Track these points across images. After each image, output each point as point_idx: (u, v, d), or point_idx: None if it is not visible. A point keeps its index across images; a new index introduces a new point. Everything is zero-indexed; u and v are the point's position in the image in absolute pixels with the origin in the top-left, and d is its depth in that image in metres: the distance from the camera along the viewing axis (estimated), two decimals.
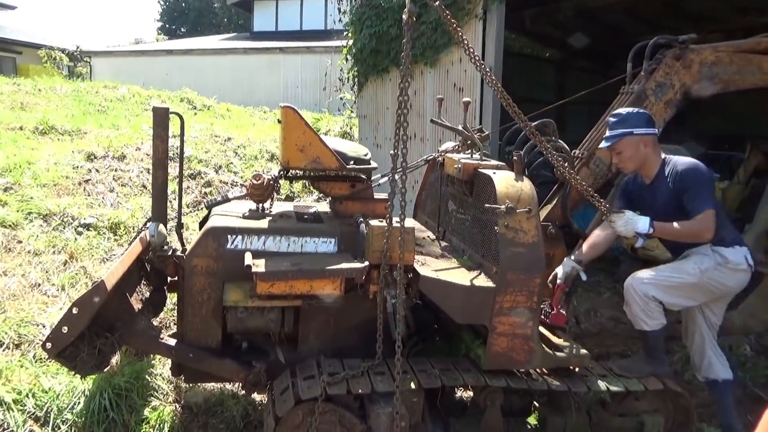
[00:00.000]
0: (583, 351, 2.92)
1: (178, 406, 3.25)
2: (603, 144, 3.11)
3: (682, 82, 3.45)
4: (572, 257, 3.13)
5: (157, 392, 3.25)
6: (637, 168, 3.13)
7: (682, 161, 3.05)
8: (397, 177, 2.54)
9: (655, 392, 3.00)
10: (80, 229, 4.82)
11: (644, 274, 3.04)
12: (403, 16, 2.39)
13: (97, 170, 6.12)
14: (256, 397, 3.33)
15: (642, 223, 2.91)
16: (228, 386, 3.40)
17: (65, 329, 2.46)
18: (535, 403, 3.09)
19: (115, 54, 22.00)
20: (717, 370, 3.20)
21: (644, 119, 3.07)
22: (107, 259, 4.57)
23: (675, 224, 2.93)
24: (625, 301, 3.08)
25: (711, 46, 3.55)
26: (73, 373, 2.80)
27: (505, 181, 2.81)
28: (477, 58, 2.64)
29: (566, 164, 3.06)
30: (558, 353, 2.86)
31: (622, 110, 3.14)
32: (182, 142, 3.18)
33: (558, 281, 3.04)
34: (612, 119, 3.09)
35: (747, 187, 5.97)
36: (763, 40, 3.65)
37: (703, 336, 3.21)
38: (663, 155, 3.12)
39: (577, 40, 7.91)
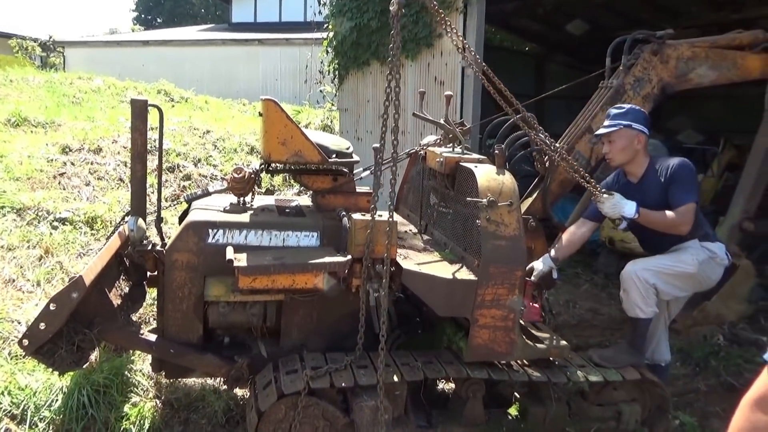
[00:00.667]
0: (563, 342, 2.96)
1: (158, 402, 3.22)
2: (601, 130, 3.17)
3: (660, 76, 3.50)
4: (550, 254, 3.17)
5: (137, 388, 3.22)
6: (624, 162, 3.17)
7: (673, 159, 3.13)
8: (379, 170, 2.54)
9: (632, 382, 3.07)
10: (55, 223, 4.73)
11: (645, 262, 3.11)
12: (391, 8, 2.38)
13: (72, 163, 6.00)
14: (239, 392, 3.31)
15: (629, 207, 2.98)
16: (210, 381, 3.38)
17: (42, 326, 2.42)
18: (516, 394, 3.13)
19: (90, 44, 21.54)
20: (662, 354, 3.42)
21: (643, 117, 3.15)
22: (84, 254, 4.49)
23: (659, 213, 3.00)
24: (623, 288, 3.13)
25: (688, 41, 3.61)
26: (50, 370, 2.75)
27: (486, 174, 2.83)
28: (467, 46, 2.65)
29: (556, 148, 3.11)
30: (538, 345, 2.90)
31: (625, 104, 3.23)
32: (161, 135, 3.13)
33: (533, 278, 3.07)
34: (614, 110, 3.16)
35: (721, 180, 6.10)
36: (737, 36, 3.72)
37: (660, 323, 3.37)
38: (649, 156, 3.19)
39: (576, 27, 7.90)
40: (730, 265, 3.33)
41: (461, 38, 2.62)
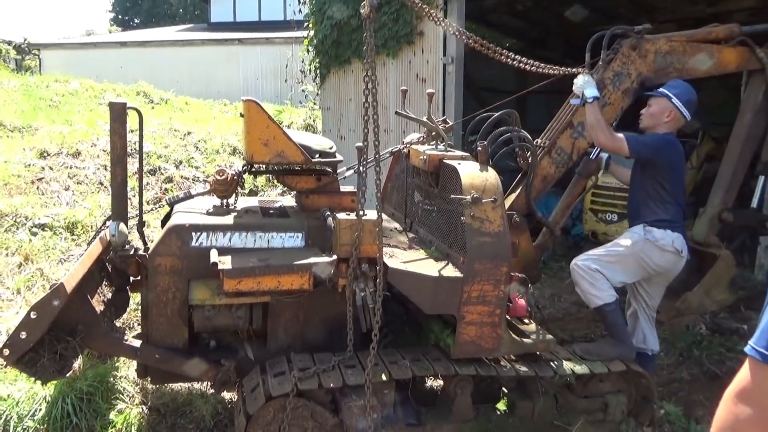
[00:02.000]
0: (549, 336, 2.98)
1: (145, 408, 3.18)
2: (648, 92, 3.39)
3: (639, 71, 3.53)
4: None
5: (122, 395, 3.18)
6: (647, 127, 3.41)
7: (672, 136, 3.36)
8: (361, 169, 2.53)
9: (618, 373, 3.10)
10: (35, 229, 4.66)
11: (584, 254, 3.34)
12: (362, 11, 2.38)
13: (50, 168, 5.90)
14: (227, 395, 3.29)
15: (591, 90, 3.25)
16: (196, 386, 3.35)
17: (23, 335, 2.38)
18: (503, 389, 3.15)
19: (66, 46, 21.18)
20: (650, 343, 3.48)
21: (687, 99, 3.34)
22: (65, 260, 4.42)
23: (602, 119, 3.24)
24: (574, 282, 3.30)
25: (665, 35, 3.64)
26: (33, 379, 2.70)
27: (470, 171, 2.84)
28: (455, 28, 2.63)
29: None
30: (525, 339, 2.92)
31: (682, 84, 3.40)
32: (141, 137, 3.09)
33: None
34: (672, 82, 3.40)
35: (700, 172, 6.19)
36: (713, 29, 3.76)
37: (639, 313, 3.48)
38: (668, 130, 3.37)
39: (574, 13, 7.91)
40: (705, 253, 3.53)
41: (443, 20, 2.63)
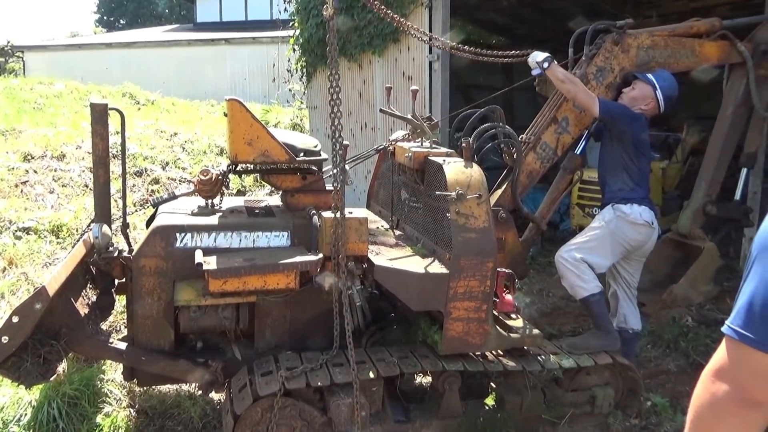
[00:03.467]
0: (536, 331, 3.00)
1: (132, 411, 3.16)
2: (637, 73, 3.46)
3: (621, 65, 3.56)
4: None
5: (109, 398, 3.15)
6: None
7: (642, 115, 3.44)
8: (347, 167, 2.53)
9: (605, 366, 3.12)
10: (19, 233, 4.61)
11: (565, 245, 3.42)
12: (324, 13, 2.38)
13: (35, 171, 5.84)
14: (215, 396, 3.27)
15: (542, 55, 3.34)
16: (184, 387, 3.33)
17: (5, 339, 2.35)
18: (492, 384, 3.16)
19: (50, 48, 20.97)
20: (630, 322, 3.53)
21: (669, 95, 3.44)
22: (50, 264, 4.38)
23: (567, 76, 3.32)
24: (560, 274, 3.35)
25: (647, 30, 3.67)
26: (17, 384, 2.68)
27: (454, 168, 2.84)
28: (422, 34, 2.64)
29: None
30: (512, 334, 2.93)
31: (671, 78, 3.48)
32: (124, 138, 3.07)
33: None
34: (661, 72, 3.48)
35: (685, 165, 6.23)
36: (695, 24, 3.79)
37: (620, 293, 3.56)
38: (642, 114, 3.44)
39: (576, 24, 7.98)
40: (690, 246, 3.61)
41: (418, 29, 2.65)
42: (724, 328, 1.06)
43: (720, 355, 1.07)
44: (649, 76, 3.44)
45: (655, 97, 3.40)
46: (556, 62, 3.33)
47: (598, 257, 3.30)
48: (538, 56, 3.35)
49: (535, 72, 3.45)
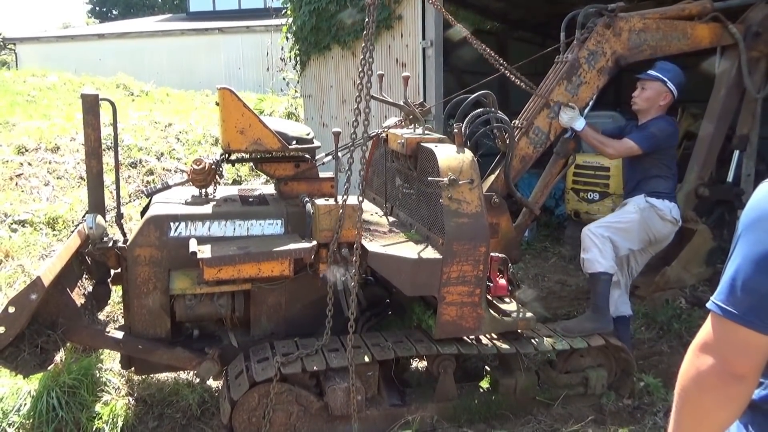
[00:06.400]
0: (529, 314, 3.02)
1: (131, 399, 3.19)
2: (641, 74, 3.51)
3: (613, 49, 3.55)
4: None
5: (108, 387, 3.18)
6: (642, 109, 3.54)
7: (666, 117, 3.52)
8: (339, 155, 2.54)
9: (597, 348, 3.16)
10: (14, 226, 4.61)
11: (597, 222, 3.52)
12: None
13: (29, 163, 5.84)
14: (212, 384, 3.31)
15: (579, 123, 3.41)
16: (182, 375, 3.36)
17: (2, 329, 2.37)
18: (486, 367, 3.19)
19: (43, 40, 20.76)
20: (622, 309, 3.60)
21: (679, 82, 3.48)
22: (46, 256, 4.39)
23: (599, 136, 3.48)
24: (583, 248, 3.39)
25: (639, 13, 3.65)
26: (15, 373, 2.70)
27: (446, 154, 2.85)
28: None
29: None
30: (505, 318, 2.96)
31: (673, 65, 3.51)
32: (116, 129, 3.07)
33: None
34: (662, 64, 3.51)
35: (680, 149, 6.24)
36: (686, 6, 3.79)
37: (621, 283, 3.62)
38: (662, 112, 3.52)
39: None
40: (682, 228, 3.61)
41: None
42: (708, 304, 1.10)
43: (705, 330, 1.10)
44: (653, 72, 3.50)
45: (669, 90, 3.46)
46: (587, 125, 3.44)
47: (624, 240, 3.38)
48: (575, 121, 3.41)
49: (568, 134, 3.56)
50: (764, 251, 1.01)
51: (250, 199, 3.08)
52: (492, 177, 3.53)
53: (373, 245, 2.80)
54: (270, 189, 3.35)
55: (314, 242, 2.70)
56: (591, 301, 3.39)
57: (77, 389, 2.99)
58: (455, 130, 2.97)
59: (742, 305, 1.03)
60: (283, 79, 10.45)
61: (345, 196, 2.65)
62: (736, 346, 1.05)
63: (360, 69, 2.51)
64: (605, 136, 3.52)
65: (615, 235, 3.36)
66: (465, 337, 2.95)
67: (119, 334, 2.82)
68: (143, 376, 3.28)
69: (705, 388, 1.07)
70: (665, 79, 3.45)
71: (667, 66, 3.51)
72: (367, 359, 2.72)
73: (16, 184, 5.40)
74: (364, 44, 2.51)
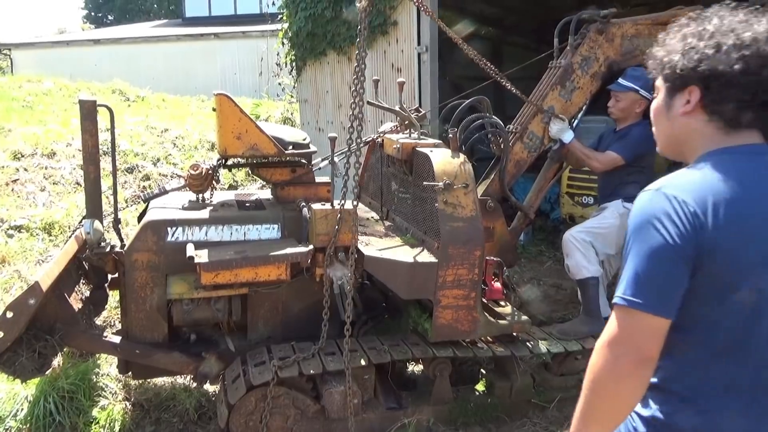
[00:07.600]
0: (524, 317, 3.05)
1: (128, 404, 3.20)
2: (612, 86, 3.55)
3: (606, 55, 3.60)
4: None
5: (105, 391, 3.18)
6: (619, 119, 3.60)
7: (644, 123, 3.48)
8: (336, 160, 2.57)
9: (592, 350, 3.17)
10: (11, 231, 4.61)
11: (577, 227, 3.59)
12: (358, 4, 2.43)
13: (25, 169, 5.84)
14: (210, 388, 3.31)
15: (568, 135, 3.50)
16: (179, 380, 3.37)
17: (0, 334, 2.38)
18: (482, 370, 3.21)
19: (38, 45, 20.74)
20: (604, 310, 3.62)
21: (651, 84, 3.37)
22: (42, 261, 4.40)
23: (585, 149, 3.53)
24: (566, 254, 3.44)
25: (631, 19, 3.70)
26: (12, 378, 2.71)
27: (442, 158, 2.88)
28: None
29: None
30: (500, 321, 2.98)
31: (641, 70, 3.49)
32: (113, 135, 3.08)
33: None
34: (630, 71, 3.51)
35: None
36: (678, 12, 3.82)
37: (601, 285, 3.62)
38: (640, 118, 3.53)
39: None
40: None
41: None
42: (614, 300, 1.18)
43: (612, 326, 1.18)
44: (623, 83, 3.51)
45: (642, 97, 3.46)
46: (576, 139, 3.55)
47: (603, 245, 3.44)
48: (563, 133, 3.50)
49: (556, 146, 3.64)
50: (654, 245, 1.15)
51: (247, 204, 3.10)
52: (487, 181, 3.57)
53: (369, 249, 2.82)
54: (266, 194, 3.37)
55: (311, 246, 2.72)
56: (582, 306, 3.43)
57: (74, 394, 2.99)
58: (450, 135, 3.00)
59: (645, 294, 1.14)
60: (279, 84, 10.47)
61: (342, 201, 2.67)
62: (644, 332, 1.15)
63: (354, 74, 2.53)
64: (591, 149, 3.57)
65: (595, 240, 3.42)
66: (461, 341, 2.96)
67: (116, 339, 2.83)
68: (140, 381, 3.28)
69: (621, 376, 1.15)
70: (636, 87, 3.46)
71: (636, 73, 3.48)
72: (363, 363, 2.74)
73: (12, 189, 5.40)
74: (357, 50, 2.53)
